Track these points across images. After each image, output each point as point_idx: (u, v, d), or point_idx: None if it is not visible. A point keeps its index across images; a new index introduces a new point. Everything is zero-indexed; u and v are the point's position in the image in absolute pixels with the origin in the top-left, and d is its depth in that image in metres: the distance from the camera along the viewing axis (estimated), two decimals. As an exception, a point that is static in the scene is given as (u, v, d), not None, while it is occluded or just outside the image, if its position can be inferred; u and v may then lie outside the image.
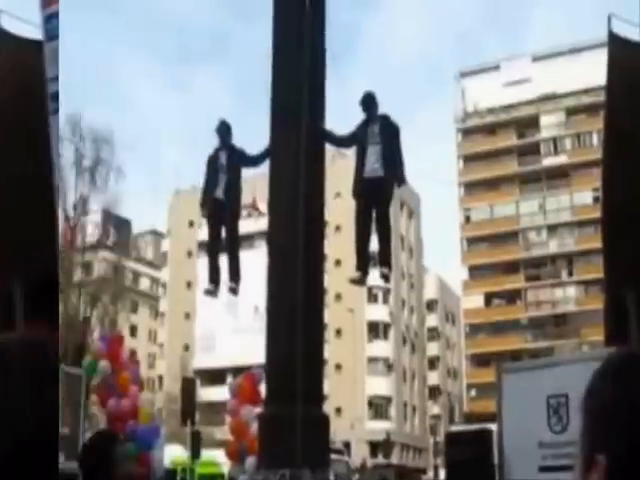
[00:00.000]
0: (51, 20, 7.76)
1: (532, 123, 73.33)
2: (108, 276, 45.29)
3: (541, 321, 69.21)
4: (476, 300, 71.93)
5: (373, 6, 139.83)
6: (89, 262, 47.19)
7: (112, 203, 45.36)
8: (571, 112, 71.90)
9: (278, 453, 6.53)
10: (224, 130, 9.06)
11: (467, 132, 76.37)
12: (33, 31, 7.33)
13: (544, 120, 73.02)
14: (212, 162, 9.06)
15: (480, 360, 68.69)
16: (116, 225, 57.24)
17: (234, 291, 9.06)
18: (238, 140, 9.14)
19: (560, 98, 72.07)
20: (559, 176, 70.99)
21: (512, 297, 71.57)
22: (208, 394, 58.96)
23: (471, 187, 74.35)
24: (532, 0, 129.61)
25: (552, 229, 71.35)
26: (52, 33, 7.67)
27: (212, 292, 9.23)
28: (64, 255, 43.29)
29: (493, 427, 9.69)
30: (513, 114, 73.85)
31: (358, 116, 8.18)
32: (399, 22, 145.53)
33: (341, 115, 8.75)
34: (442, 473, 35.79)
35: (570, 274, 69.79)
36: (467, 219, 74.66)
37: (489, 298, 72.32)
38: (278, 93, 7.42)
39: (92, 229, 50.80)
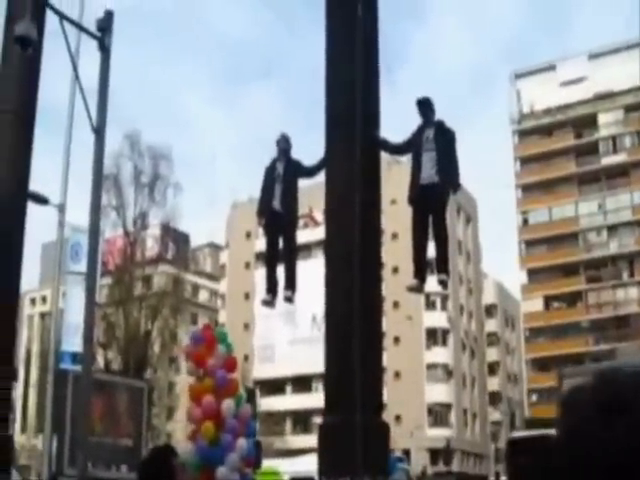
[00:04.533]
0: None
1: (589, 122, 72.10)
2: (168, 289, 45.78)
3: (602, 323, 67.83)
4: (536, 304, 70.91)
5: (422, 16, 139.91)
6: (149, 276, 47.80)
7: (171, 217, 45.91)
8: (629, 109, 70.51)
9: (338, 462, 6.54)
10: (283, 142, 9.15)
11: (523, 134, 75.47)
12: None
13: (602, 119, 71.73)
14: (269, 172, 9.13)
15: (541, 365, 67.68)
16: (175, 239, 57.89)
17: (290, 300, 9.10)
18: (292, 153, 9.24)
19: (618, 96, 70.74)
20: (618, 175, 69.62)
21: (572, 299, 70.36)
22: (268, 404, 59.23)
23: (528, 189, 73.40)
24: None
25: (612, 229, 70.00)
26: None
27: (269, 302, 9.27)
28: (125, 270, 44.07)
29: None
30: (570, 114, 72.71)
31: (412, 123, 8.18)
32: (448, 30, 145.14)
33: (396, 122, 8.76)
34: (505, 480, 35.25)
35: (631, 275, 68.36)
36: (525, 222, 73.70)
37: (549, 301, 71.25)
38: (332, 103, 7.46)
39: (152, 243, 51.49)
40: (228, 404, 11.85)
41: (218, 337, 12.79)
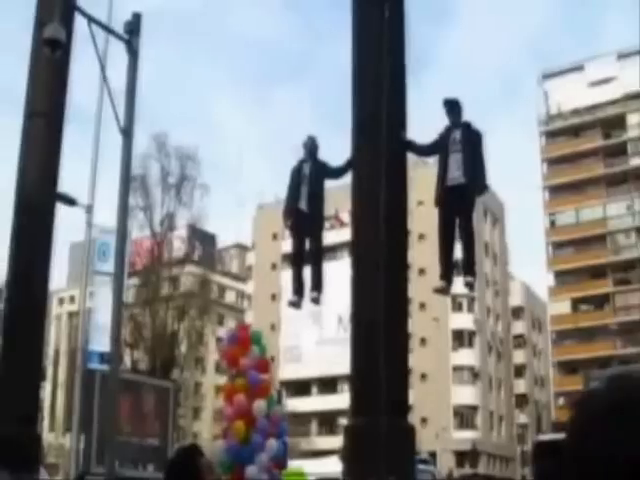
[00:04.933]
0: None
1: (618, 123, 71.33)
2: (195, 290, 45.99)
3: (630, 326, 66.98)
4: (563, 306, 70.30)
5: (450, 17, 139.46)
6: (176, 276, 48.02)
7: (198, 218, 46.09)
8: (659, 110, 69.74)
9: (364, 463, 6.53)
10: (311, 144, 9.17)
11: (551, 135, 74.87)
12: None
13: (631, 119, 70.93)
14: (295, 173, 9.15)
15: (568, 367, 67.09)
16: (202, 240, 58.22)
17: (316, 300, 9.12)
18: (319, 154, 9.25)
19: (647, 96, 69.97)
20: (647, 176, 68.87)
21: (600, 302, 69.65)
22: (294, 405, 59.29)
23: (556, 191, 72.80)
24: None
25: (641, 231, 69.24)
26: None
27: (295, 303, 9.29)
28: (152, 270, 44.35)
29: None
30: (598, 115, 71.95)
31: (440, 123, 8.16)
32: (476, 30, 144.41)
33: (423, 123, 8.73)
34: (532, 483, 34.93)
35: (661, 277, 67.57)
36: (552, 223, 73.09)
37: (576, 304, 70.57)
38: (359, 105, 7.46)
39: (179, 244, 51.78)
40: (260, 404, 11.87)
41: (253, 338, 12.82)
